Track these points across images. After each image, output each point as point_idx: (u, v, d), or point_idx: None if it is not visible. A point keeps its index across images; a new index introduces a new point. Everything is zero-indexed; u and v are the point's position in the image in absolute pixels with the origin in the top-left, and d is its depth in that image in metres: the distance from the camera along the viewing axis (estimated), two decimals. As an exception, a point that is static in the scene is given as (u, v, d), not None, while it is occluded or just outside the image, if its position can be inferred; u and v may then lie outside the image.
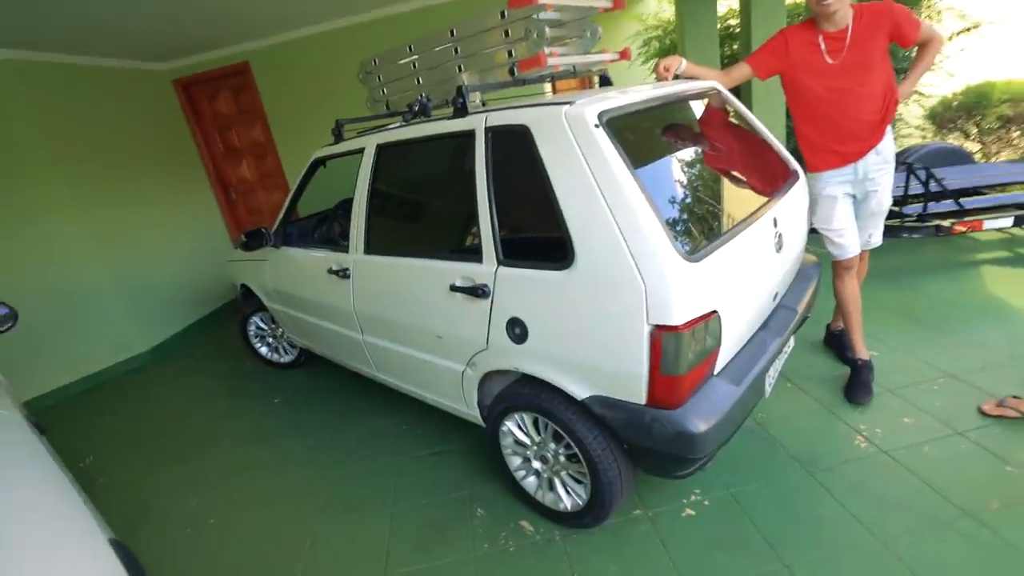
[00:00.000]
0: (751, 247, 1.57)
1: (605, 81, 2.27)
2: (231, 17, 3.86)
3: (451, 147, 1.81)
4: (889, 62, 2.04)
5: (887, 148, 2.10)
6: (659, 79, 2.14)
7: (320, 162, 2.50)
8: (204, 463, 2.52)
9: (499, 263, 1.60)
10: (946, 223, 3.01)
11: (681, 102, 1.87)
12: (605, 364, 1.41)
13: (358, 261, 2.13)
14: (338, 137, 2.38)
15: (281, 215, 2.68)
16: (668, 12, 5.27)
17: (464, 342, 1.76)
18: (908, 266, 3.36)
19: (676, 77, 2.15)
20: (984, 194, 3.51)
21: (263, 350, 3.33)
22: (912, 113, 5.14)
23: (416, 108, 2.07)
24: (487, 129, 1.63)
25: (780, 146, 2.12)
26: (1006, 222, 2.97)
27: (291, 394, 3.01)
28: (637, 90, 1.72)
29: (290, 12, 4.07)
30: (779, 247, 1.73)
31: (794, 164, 2.12)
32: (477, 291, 1.64)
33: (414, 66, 2.30)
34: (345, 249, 2.21)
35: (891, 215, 3.23)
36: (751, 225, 1.59)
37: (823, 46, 2.01)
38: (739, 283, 1.50)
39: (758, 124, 2.12)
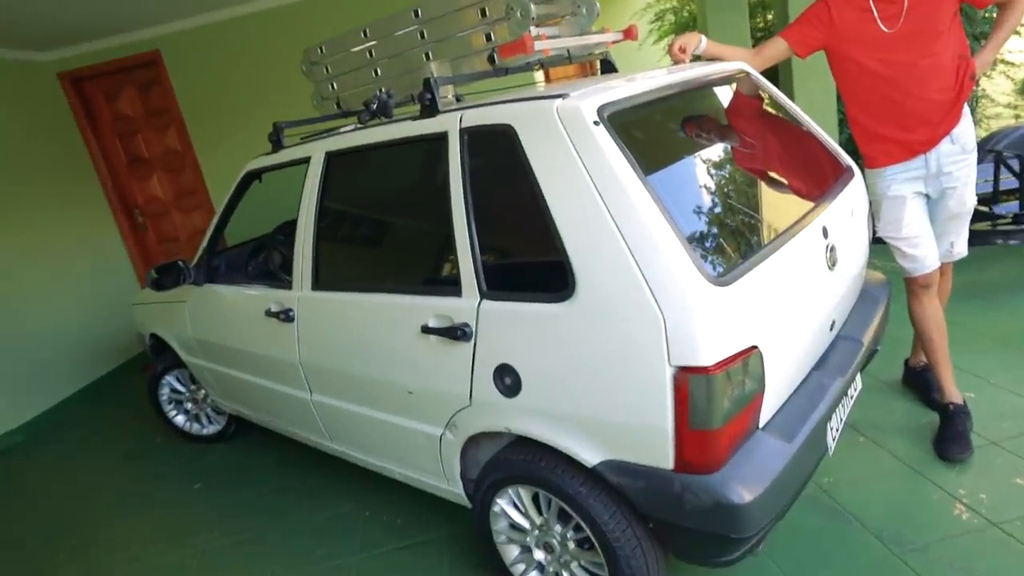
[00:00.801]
0: (796, 264, 1.65)
1: (608, 67, 2.39)
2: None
3: (419, 154, 1.90)
4: (961, 27, 2.14)
5: (965, 134, 2.18)
6: (675, 62, 2.26)
7: (254, 175, 2.59)
8: (97, 577, 2.48)
9: (482, 296, 1.66)
10: (1048, 225, 3.11)
11: (702, 89, 1.97)
12: (619, 419, 1.45)
13: (304, 299, 2.19)
14: (277, 144, 2.47)
15: (204, 244, 2.75)
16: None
17: (441, 398, 1.80)
18: (1004, 280, 3.46)
19: (696, 59, 2.26)
20: None
21: (179, 419, 3.35)
22: (999, 88, 5.35)
23: (374, 106, 2.17)
24: (463, 131, 1.72)
25: (829, 139, 2.23)
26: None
27: (217, 476, 3.01)
28: (647, 77, 1.83)
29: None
30: (832, 263, 1.81)
31: (847, 160, 2.23)
32: (455, 332, 1.70)
33: (370, 55, 2.41)
34: (288, 285, 2.27)
35: (978, 216, 3.35)
36: (795, 237, 1.67)
37: (876, 11, 2.11)
38: (783, 310, 1.57)
39: (799, 113, 2.23)
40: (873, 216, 2.28)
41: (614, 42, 2.28)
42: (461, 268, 1.69)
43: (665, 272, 1.36)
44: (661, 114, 1.76)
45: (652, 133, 1.70)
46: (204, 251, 2.73)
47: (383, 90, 2.26)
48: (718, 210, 1.62)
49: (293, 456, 3.02)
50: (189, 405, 3.32)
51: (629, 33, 2.32)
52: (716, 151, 1.82)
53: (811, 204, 1.87)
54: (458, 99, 2.54)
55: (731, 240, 1.56)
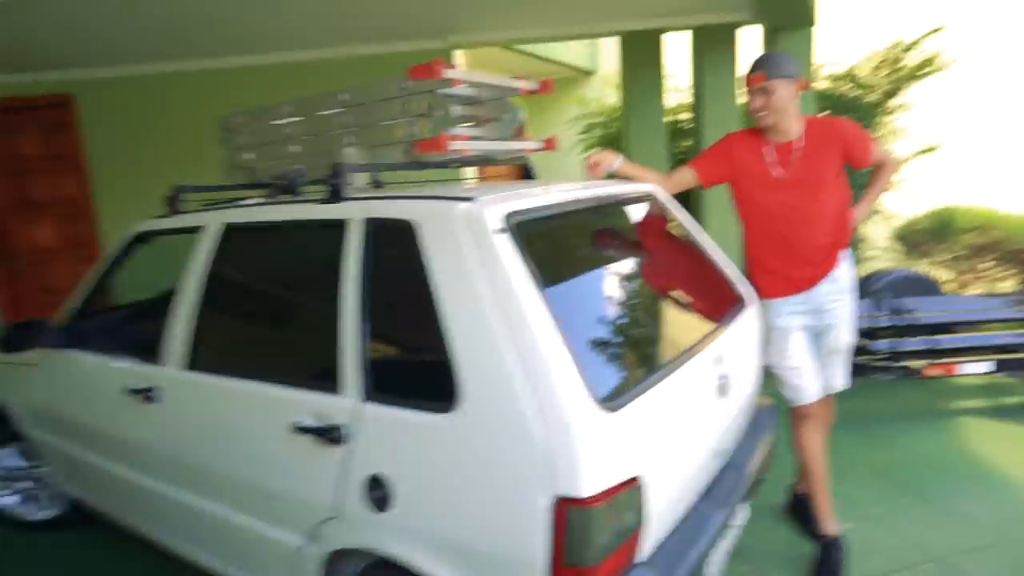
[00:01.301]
0: (687, 391, 1.63)
1: (527, 173, 2.43)
2: (56, 31, 3.63)
3: (317, 238, 1.81)
4: (845, 182, 2.32)
5: (844, 276, 2.32)
6: (590, 177, 2.32)
7: (143, 238, 2.40)
8: None
9: (363, 397, 1.54)
10: (917, 364, 3.33)
11: (612, 207, 2.01)
12: (490, 547, 1.34)
13: (173, 379, 1.99)
14: (173, 208, 2.32)
15: (74, 304, 2.49)
16: (614, 97, 5.87)
17: (305, 505, 1.63)
18: (882, 412, 3.65)
19: (611, 176, 2.33)
20: (957, 332, 3.98)
21: (6, 499, 2.90)
22: (879, 234, 5.91)
23: (284, 182, 2.08)
24: (365, 221, 1.65)
25: (730, 266, 2.31)
26: (985, 367, 3.34)
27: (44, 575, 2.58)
28: (561, 188, 1.84)
29: (143, 40, 4.09)
30: (723, 391, 1.81)
31: (745, 289, 2.30)
32: (329, 434, 1.56)
33: (292, 130, 2.35)
34: (157, 361, 2.06)
35: (860, 351, 3.55)
36: (688, 363, 1.67)
37: (770, 156, 2.27)
38: (671, 438, 1.54)
39: (703, 239, 2.30)
40: (763, 345, 2.35)
41: (533, 150, 2.33)
42: (344, 365, 1.57)
43: (553, 393, 1.30)
44: (569, 227, 1.77)
45: (557, 246, 1.70)
46: (73, 313, 2.47)
47: (299, 168, 2.19)
48: (615, 331, 1.60)
49: (140, 554, 2.64)
50: (23, 484, 2.89)
51: (549, 143, 2.38)
52: (619, 270, 1.83)
53: (707, 330, 1.90)
54: (378, 184, 2.50)
55: (624, 363, 1.54)
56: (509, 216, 1.50)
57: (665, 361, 1.62)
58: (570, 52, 7.19)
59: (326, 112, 2.27)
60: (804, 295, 2.30)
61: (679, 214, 2.29)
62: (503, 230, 1.46)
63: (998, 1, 6.77)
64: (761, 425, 2.19)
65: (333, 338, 1.61)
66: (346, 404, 1.55)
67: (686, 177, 2.39)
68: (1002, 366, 3.34)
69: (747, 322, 2.15)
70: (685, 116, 5.48)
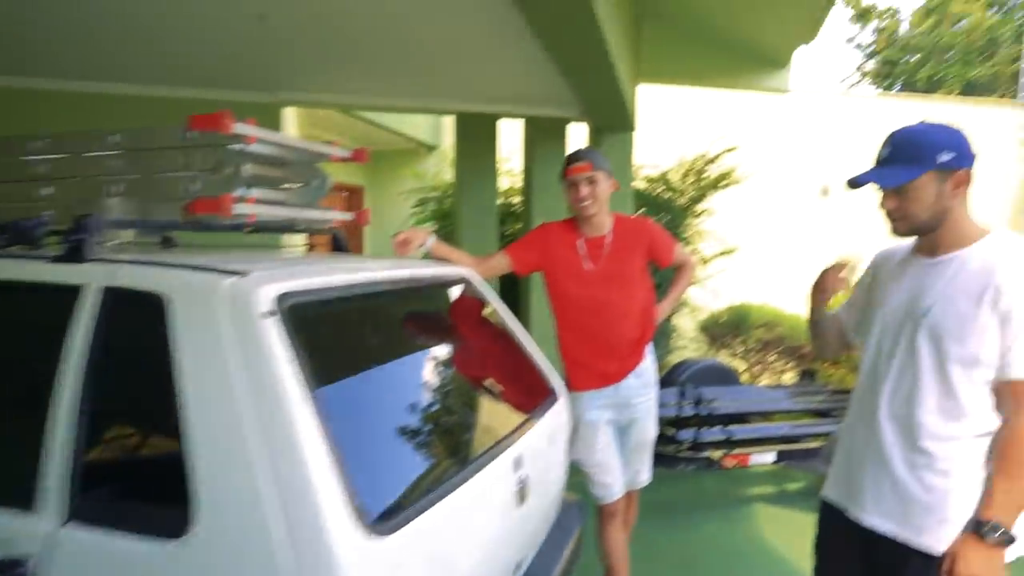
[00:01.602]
0: (481, 502, 1.48)
1: (339, 245, 2.23)
2: None
3: (41, 305, 1.45)
4: (649, 279, 2.41)
5: (648, 371, 2.38)
6: (397, 255, 2.17)
7: None
8: None
9: (66, 518, 1.19)
10: (717, 455, 3.52)
11: (418, 290, 1.87)
12: None
13: None
14: None
15: None
16: (450, 173, 5.90)
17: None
18: (684, 500, 3.77)
19: (427, 256, 2.21)
20: (750, 422, 4.32)
21: None
22: (686, 326, 6.42)
23: (16, 229, 1.69)
24: (105, 290, 1.34)
25: (540, 358, 2.23)
26: (769, 457, 3.61)
27: None
28: (357, 265, 1.67)
29: None
30: (522, 497, 1.69)
31: (555, 381, 2.23)
32: (10, 569, 1.17)
33: (45, 169, 1.96)
34: None
35: (666, 440, 3.69)
36: (483, 470, 1.52)
37: (582, 250, 2.30)
38: (460, 558, 1.36)
39: (516, 328, 2.23)
40: (571, 440, 2.29)
41: (340, 222, 2.15)
42: (46, 472, 1.22)
43: (310, 515, 1.07)
44: (360, 312, 1.58)
45: (343, 334, 1.50)
46: None
47: (43, 214, 1.81)
48: (402, 435, 1.42)
49: None
50: None
51: (361, 217, 2.22)
52: (417, 363, 1.67)
53: (511, 427, 1.78)
54: (169, 244, 2.15)
55: (408, 474, 1.35)
56: (282, 297, 1.29)
57: (456, 470, 1.46)
58: (412, 124, 7.20)
59: (92, 154, 1.92)
60: (612, 388, 2.31)
61: (493, 300, 2.21)
62: (272, 313, 1.24)
63: (786, 127, 7.99)
64: (565, 528, 2.08)
65: (37, 435, 1.25)
66: (39, 527, 1.19)
67: (501, 263, 2.35)
68: (782, 456, 3.62)
69: (555, 416, 2.08)
70: (518, 200, 5.62)
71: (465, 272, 2.17)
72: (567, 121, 4.77)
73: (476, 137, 4.72)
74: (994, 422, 1.38)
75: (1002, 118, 8.21)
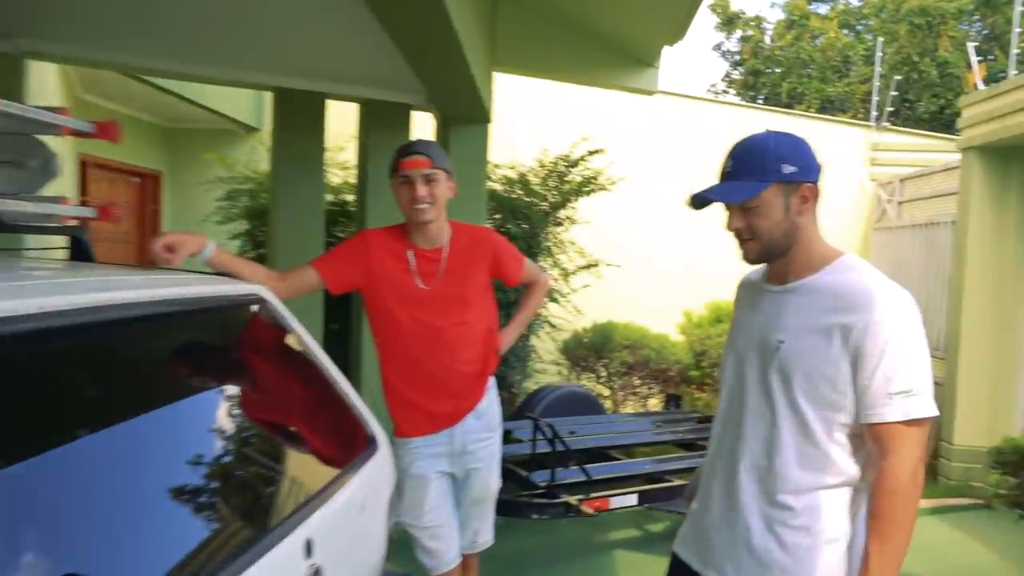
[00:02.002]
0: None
1: (80, 250, 1.83)
2: None
3: None
4: (492, 301, 2.31)
5: (490, 411, 2.27)
6: (162, 264, 1.83)
7: None
8: None
9: None
10: (574, 500, 3.45)
11: (185, 316, 1.55)
12: None
13: None
14: None
15: None
16: (267, 163, 5.48)
17: None
18: (539, 552, 3.67)
19: (221, 273, 1.92)
20: (613, 457, 4.29)
21: None
22: (546, 348, 6.43)
23: None
24: None
25: (355, 398, 2.01)
26: (631, 500, 3.60)
27: None
28: (84, 281, 1.33)
29: None
30: (315, 593, 1.42)
31: (374, 427, 2.03)
32: None
33: None
34: None
35: (518, 483, 3.56)
36: (255, 565, 1.24)
37: (413, 264, 2.14)
38: None
39: (322, 360, 1.98)
40: (395, 496, 2.12)
41: (76, 219, 1.77)
42: None
43: None
44: (72, 352, 1.24)
45: (39, 384, 1.15)
46: None
47: None
48: (107, 530, 1.11)
49: None
50: None
51: (105, 212, 1.84)
52: (165, 419, 1.35)
53: (301, 499, 1.52)
54: None
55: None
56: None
57: (211, 571, 1.17)
58: (229, 99, 6.68)
59: None
60: (447, 433, 2.18)
61: (293, 326, 1.93)
62: None
63: (655, 131, 8.37)
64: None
65: None
66: None
67: (308, 279, 2.11)
68: (643, 499, 3.64)
69: (373, 471, 1.88)
70: (352, 198, 5.35)
71: (257, 290, 1.88)
72: (411, 109, 4.60)
73: (299, 121, 4.40)
74: (858, 470, 1.41)
75: (854, 137, 9.18)
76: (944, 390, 6.44)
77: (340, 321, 4.76)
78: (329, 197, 5.23)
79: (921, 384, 1.34)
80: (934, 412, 1.35)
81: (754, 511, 1.44)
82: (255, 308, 1.85)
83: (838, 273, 1.43)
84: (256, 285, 1.91)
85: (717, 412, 1.61)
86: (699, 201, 1.47)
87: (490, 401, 2.28)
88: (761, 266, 1.60)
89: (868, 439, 1.37)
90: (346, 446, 1.90)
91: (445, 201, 2.15)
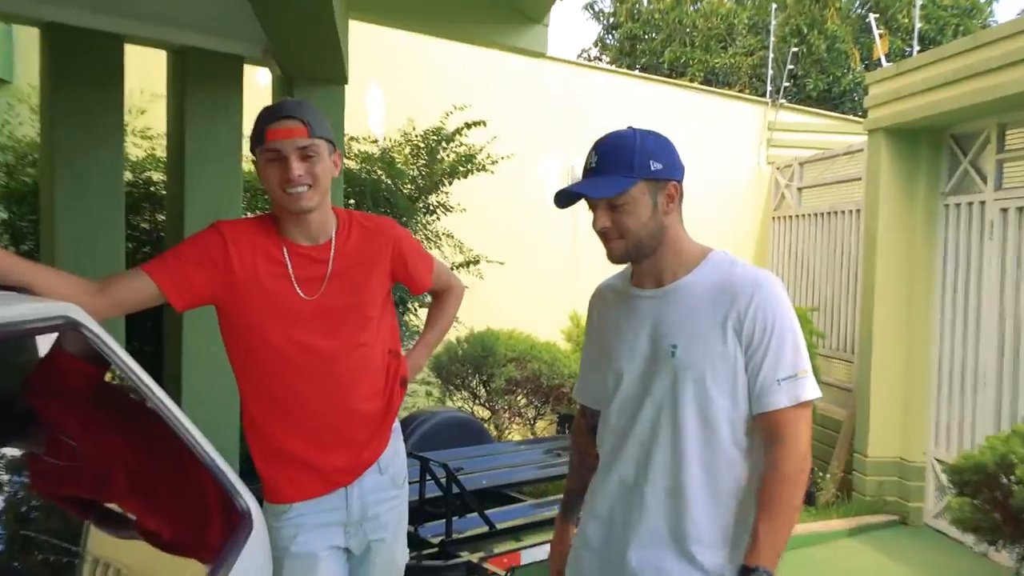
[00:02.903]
0: None
1: None
2: None
3: None
4: (394, 315, 2.19)
5: (395, 462, 2.14)
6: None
7: None
8: None
9: None
10: (476, 559, 3.31)
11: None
12: None
13: None
14: None
15: None
16: (33, 126, 4.89)
17: None
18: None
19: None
20: (513, 498, 4.25)
21: None
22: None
23: None
24: None
25: (215, 456, 1.79)
26: (541, 552, 3.48)
27: None
28: None
29: None
30: None
31: (245, 498, 1.84)
32: None
33: None
34: None
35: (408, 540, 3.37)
36: None
37: (291, 267, 1.97)
38: None
39: (165, 405, 1.73)
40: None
41: None
42: None
43: None
44: None
45: None
46: None
47: None
48: None
49: None
50: None
51: None
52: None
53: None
54: None
55: None
56: None
57: None
58: None
59: None
60: (341, 495, 2.03)
61: (119, 359, 1.66)
62: None
63: (540, 102, 8.40)
64: None
65: None
66: None
67: (140, 290, 1.84)
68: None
69: (245, 560, 1.69)
70: (161, 178, 4.96)
71: (65, 310, 1.57)
72: (242, 62, 4.35)
73: (84, 71, 3.90)
74: (748, 472, 1.64)
75: (749, 115, 9.73)
76: (854, 397, 6.93)
77: (148, 340, 4.41)
78: (127, 175, 4.84)
79: (804, 365, 1.60)
80: (818, 393, 1.62)
81: (664, 537, 1.64)
82: (60, 336, 1.59)
83: (713, 268, 1.66)
84: (62, 303, 1.59)
85: (602, 434, 1.80)
86: (565, 199, 1.65)
87: (396, 449, 2.14)
88: (619, 272, 1.82)
89: (758, 429, 1.61)
90: (204, 529, 1.67)
91: (330, 182, 1.97)
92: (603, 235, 1.66)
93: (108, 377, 1.75)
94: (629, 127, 1.68)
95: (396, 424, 2.17)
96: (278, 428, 1.98)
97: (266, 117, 1.90)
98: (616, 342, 1.74)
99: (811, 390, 1.59)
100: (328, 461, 1.99)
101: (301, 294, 1.95)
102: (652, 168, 1.60)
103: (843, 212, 7.66)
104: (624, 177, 1.59)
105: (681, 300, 1.65)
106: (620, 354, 1.72)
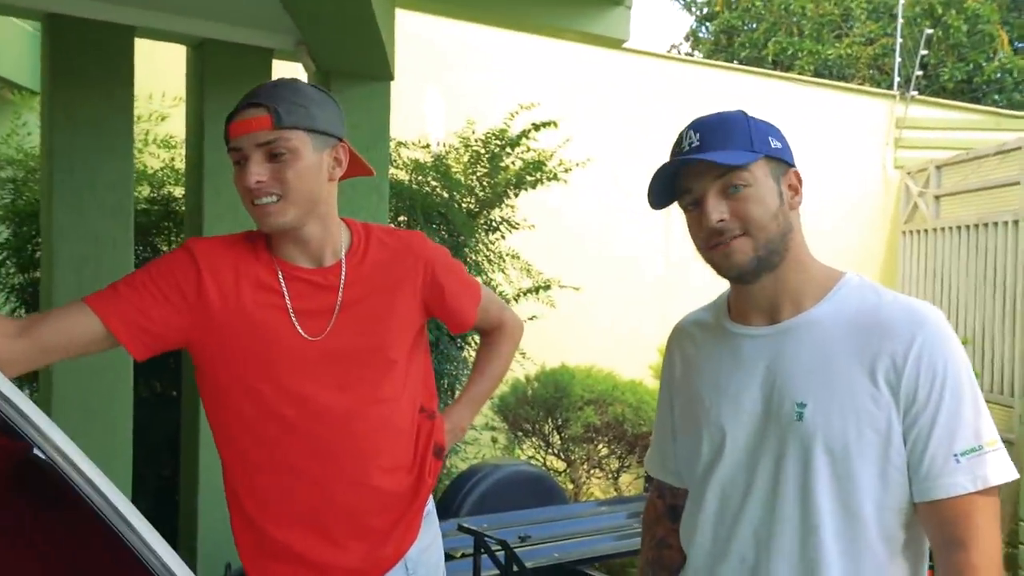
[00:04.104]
0: None
1: None
2: None
3: None
4: (427, 358, 2.02)
5: (429, 558, 1.95)
6: None
7: None
8: None
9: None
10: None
11: None
12: None
13: None
14: None
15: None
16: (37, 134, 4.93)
17: None
18: None
19: None
20: (586, 574, 3.99)
21: None
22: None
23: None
24: None
25: (172, 564, 1.50)
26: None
27: None
28: None
29: None
30: None
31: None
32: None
33: None
34: None
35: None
36: None
37: (287, 295, 1.78)
38: None
39: (107, 494, 1.45)
40: None
41: None
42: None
43: None
44: None
45: None
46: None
47: None
48: None
49: None
50: None
51: None
52: None
53: None
54: None
55: None
56: None
57: None
58: None
59: None
60: None
61: (38, 431, 1.40)
62: None
63: (620, 102, 8.19)
64: None
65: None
66: None
67: (77, 330, 1.65)
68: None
69: None
70: (181, 193, 4.98)
71: None
72: (271, 56, 4.30)
73: (88, 70, 3.90)
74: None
75: (873, 111, 9.27)
76: (1017, 450, 6.37)
77: (171, 382, 4.25)
78: (144, 191, 4.85)
79: (991, 434, 1.36)
80: (1014, 473, 1.36)
81: None
82: None
83: (850, 297, 1.45)
84: None
85: (692, 524, 1.57)
86: (663, 184, 1.49)
87: (429, 540, 1.93)
88: (707, 305, 1.64)
89: (927, 524, 1.38)
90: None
91: (318, 188, 1.75)
92: (718, 234, 1.42)
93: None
94: (737, 110, 1.51)
95: (430, 506, 1.97)
96: (270, 513, 1.79)
97: (238, 107, 1.72)
98: (713, 398, 1.53)
99: (1003, 469, 1.34)
100: (337, 559, 1.80)
101: (302, 332, 1.77)
102: (772, 146, 1.44)
103: (995, 224, 7.17)
104: (745, 151, 1.40)
105: (808, 341, 1.43)
106: (719, 414, 1.51)
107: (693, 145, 1.44)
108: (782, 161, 1.45)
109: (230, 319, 1.73)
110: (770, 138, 1.44)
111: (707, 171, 1.41)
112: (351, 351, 1.80)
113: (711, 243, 1.43)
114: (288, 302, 1.76)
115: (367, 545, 1.82)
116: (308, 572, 1.79)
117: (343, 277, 1.81)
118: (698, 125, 1.47)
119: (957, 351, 1.38)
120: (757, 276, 1.45)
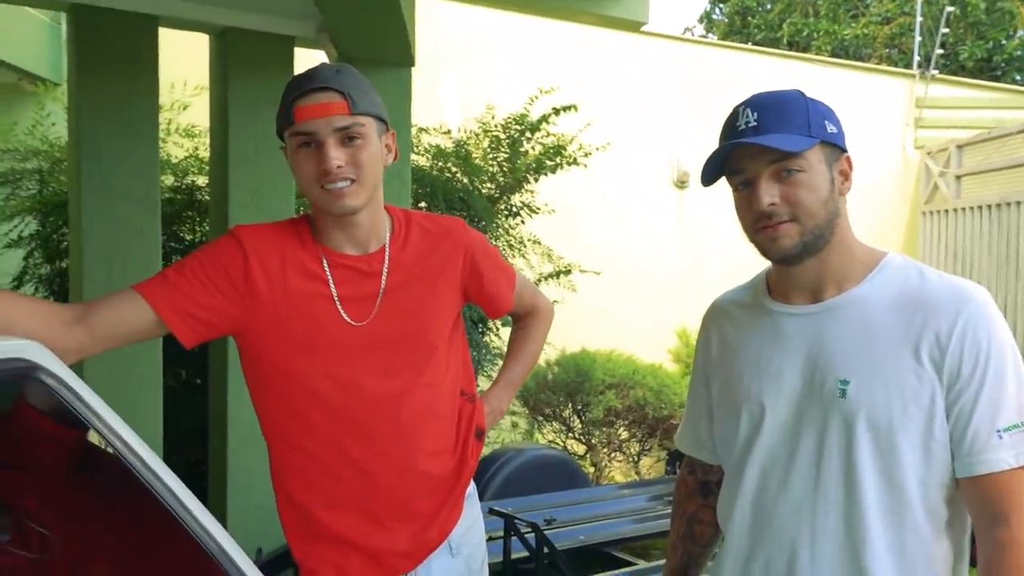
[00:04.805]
0: None
1: None
2: None
3: None
4: (465, 343, 2.04)
5: (471, 539, 1.99)
6: None
7: None
8: None
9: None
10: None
11: None
12: None
13: None
14: None
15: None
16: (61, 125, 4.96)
17: None
18: None
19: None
20: (617, 559, 4.00)
21: None
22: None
23: None
24: None
25: (228, 547, 1.56)
26: (657, 631, 3.24)
27: None
28: None
29: None
30: None
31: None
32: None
33: None
34: None
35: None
36: None
37: (332, 283, 1.79)
38: None
39: (160, 474, 1.54)
40: None
41: None
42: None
43: None
44: None
45: None
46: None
47: None
48: None
49: None
50: None
51: None
52: None
53: None
54: None
55: None
56: None
57: None
58: (11, 40, 6.29)
59: None
60: None
61: (95, 415, 1.48)
62: None
63: (638, 85, 8.20)
64: None
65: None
66: None
67: (130, 319, 1.66)
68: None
69: None
70: (204, 181, 5.01)
71: (23, 350, 1.42)
72: (292, 43, 4.33)
73: (114, 59, 3.94)
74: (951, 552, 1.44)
75: (892, 90, 9.22)
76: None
77: (197, 370, 4.31)
78: (168, 180, 4.88)
79: None
80: None
81: None
82: (21, 386, 1.47)
83: (894, 276, 1.46)
84: (20, 340, 1.43)
85: (731, 501, 1.57)
86: (716, 167, 1.47)
87: (472, 520, 1.97)
88: (744, 284, 1.65)
89: (969, 500, 1.39)
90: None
91: (381, 172, 1.79)
92: (767, 217, 1.42)
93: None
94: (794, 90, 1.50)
95: (471, 488, 2.00)
96: (317, 499, 1.82)
97: (294, 88, 1.72)
98: (753, 375, 1.53)
99: None
100: (384, 542, 1.83)
101: (347, 318, 1.79)
102: (828, 131, 1.42)
103: (1018, 203, 7.17)
104: (802, 136, 1.39)
105: (851, 319, 1.44)
106: (759, 391, 1.51)
107: (750, 124, 1.43)
108: (836, 146, 1.45)
109: (276, 305, 1.75)
110: (827, 122, 1.44)
111: (761, 153, 1.40)
112: (395, 337, 1.82)
113: (758, 226, 1.43)
114: (333, 289, 1.78)
115: (414, 528, 1.84)
116: (357, 555, 1.82)
117: (386, 263, 1.83)
118: (755, 104, 1.46)
119: (1001, 328, 1.39)
120: (801, 260, 1.46)
